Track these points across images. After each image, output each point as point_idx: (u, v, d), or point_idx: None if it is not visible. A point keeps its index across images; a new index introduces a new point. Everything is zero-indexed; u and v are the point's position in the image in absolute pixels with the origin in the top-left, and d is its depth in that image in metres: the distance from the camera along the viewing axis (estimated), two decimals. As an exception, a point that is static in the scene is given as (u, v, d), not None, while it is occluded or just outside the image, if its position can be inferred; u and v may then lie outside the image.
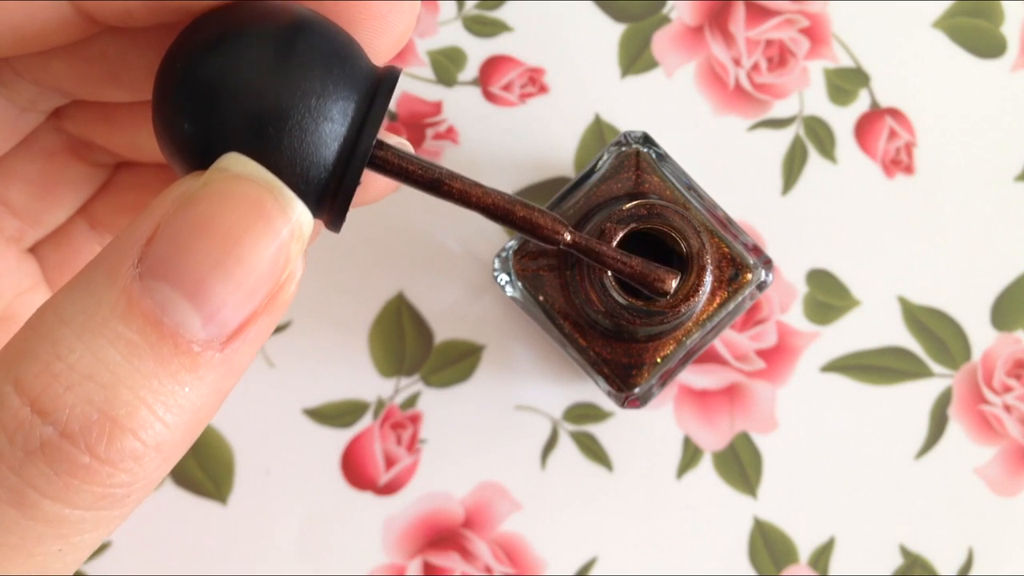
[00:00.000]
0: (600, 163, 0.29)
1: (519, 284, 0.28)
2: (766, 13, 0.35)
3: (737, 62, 0.35)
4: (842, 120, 0.34)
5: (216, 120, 0.17)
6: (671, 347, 0.28)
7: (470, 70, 0.35)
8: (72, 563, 0.17)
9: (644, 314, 0.26)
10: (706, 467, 0.34)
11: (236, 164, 0.17)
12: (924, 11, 0.35)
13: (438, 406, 0.34)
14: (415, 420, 0.34)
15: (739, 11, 0.35)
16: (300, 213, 0.17)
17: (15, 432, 0.16)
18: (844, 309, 0.34)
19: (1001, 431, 0.34)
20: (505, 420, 0.34)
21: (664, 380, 0.28)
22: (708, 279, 0.26)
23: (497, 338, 0.34)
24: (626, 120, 0.34)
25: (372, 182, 0.21)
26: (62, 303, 0.16)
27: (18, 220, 0.24)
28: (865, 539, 0.34)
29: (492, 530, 0.34)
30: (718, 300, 0.28)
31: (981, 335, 0.34)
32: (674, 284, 0.21)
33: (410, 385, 0.34)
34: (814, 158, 0.34)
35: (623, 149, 0.28)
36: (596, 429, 0.34)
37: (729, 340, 0.34)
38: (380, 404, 0.34)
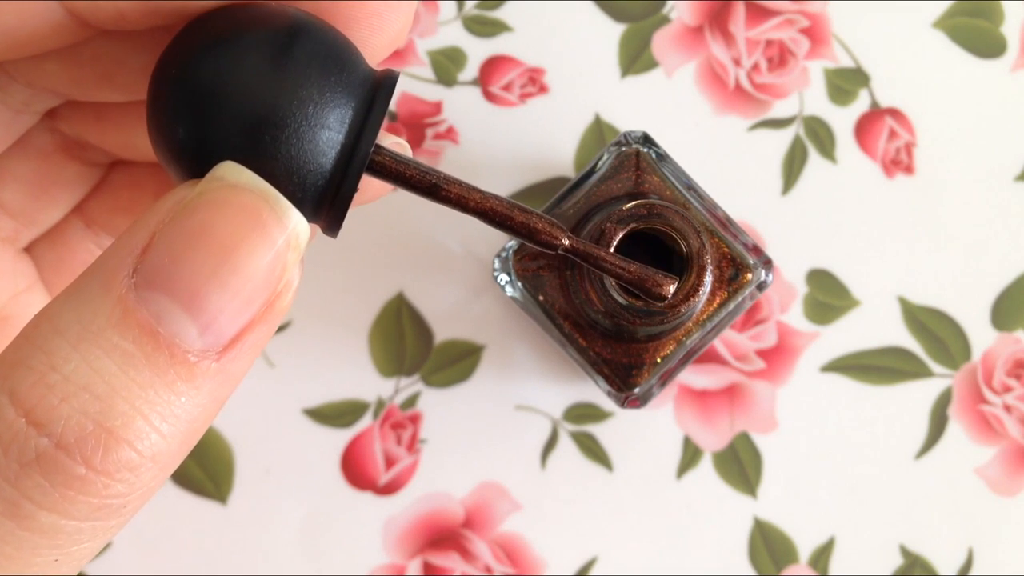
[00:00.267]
0: (600, 163, 0.29)
1: (519, 284, 0.28)
2: (766, 13, 0.35)
3: (737, 62, 0.35)
4: (842, 120, 0.34)
5: (212, 127, 0.17)
6: (671, 347, 0.28)
7: (470, 70, 0.35)
8: (69, 573, 0.17)
9: (644, 314, 0.26)
10: (706, 467, 0.34)
11: (232, 173, 0.17)
12: (924, 11, 0.35)
13: (438, 406, 0.34)
14: (415, 420, 0.34)
15: (739, 11, 0.35)
16: (296, 222, 0.17)
17: (10, 444, 0.16)
18: (844, 309, 0.34)
19: (1001, 431, 0.34)
20: (505, 420, 0.34)
21: (664, 380, 0.28)
22: (708, 279, 0.26)
23: (497, 338, 0.34)
24: (626, 120, 0.34)
25: (368, 184, 0.21)
26: (57, 313, 0.16)
27: (13, 220, 0.24)
28: (865, 539, 0.34)
29: (492, 530, 0.34)
30: (718, 300, 0.28)
31: (981, 335, 0.34)
32: (672, 289, 0.21)
33: (410, 385, 0.34)
34: (814, 158, 0.34)
35: (623, 149, 0.28)
36: (596, 429, 0.34)
37: (729, 340, 0.34)
38: (380, 404, 0.34)
